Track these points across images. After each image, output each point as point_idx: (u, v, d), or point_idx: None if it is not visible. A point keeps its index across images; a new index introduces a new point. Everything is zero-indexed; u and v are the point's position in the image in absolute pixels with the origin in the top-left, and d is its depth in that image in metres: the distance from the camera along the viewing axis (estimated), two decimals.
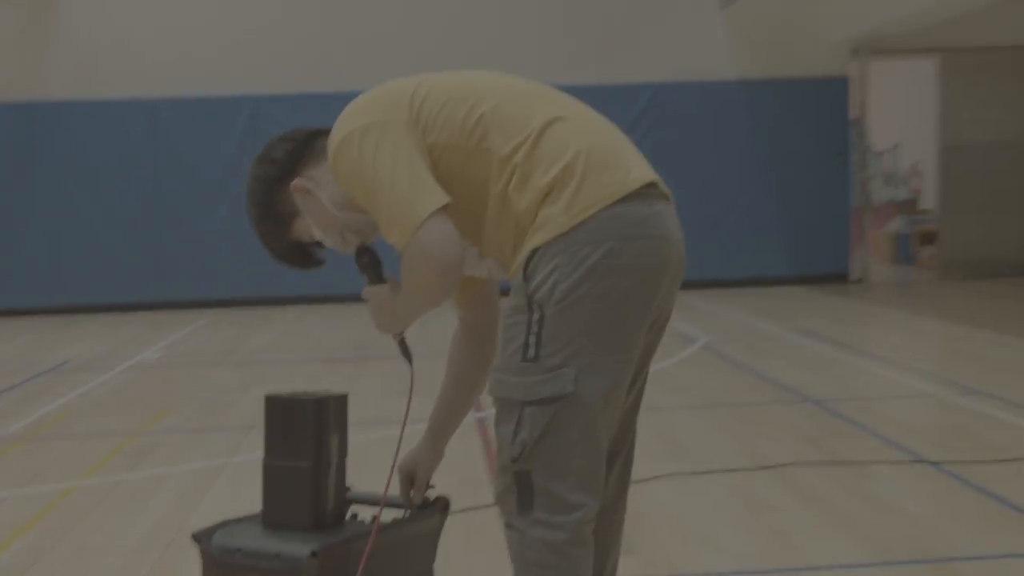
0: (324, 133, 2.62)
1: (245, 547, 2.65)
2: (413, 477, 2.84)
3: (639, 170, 2.44)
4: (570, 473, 2.36)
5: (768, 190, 13.46)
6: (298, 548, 2.58)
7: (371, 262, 2.61)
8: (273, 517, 2.73)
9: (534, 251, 2.36)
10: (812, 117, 13.70)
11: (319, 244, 2.69)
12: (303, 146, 2.62)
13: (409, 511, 2.84)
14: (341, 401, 2.77)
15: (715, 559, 3.85)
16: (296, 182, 2.58)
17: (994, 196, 14.17)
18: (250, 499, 4.67)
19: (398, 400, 6.72)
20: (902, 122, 17.20)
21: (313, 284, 13.13)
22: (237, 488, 5.04)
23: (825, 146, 13.72)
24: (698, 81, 13.51)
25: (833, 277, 13.54)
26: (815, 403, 6.41)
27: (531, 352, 2.35)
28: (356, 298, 11.11)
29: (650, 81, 13.51)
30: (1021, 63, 14.28)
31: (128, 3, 13.41)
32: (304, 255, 2.72)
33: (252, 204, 2.63)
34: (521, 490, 2.39)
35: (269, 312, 12.64)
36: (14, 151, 13.23)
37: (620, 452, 2.67)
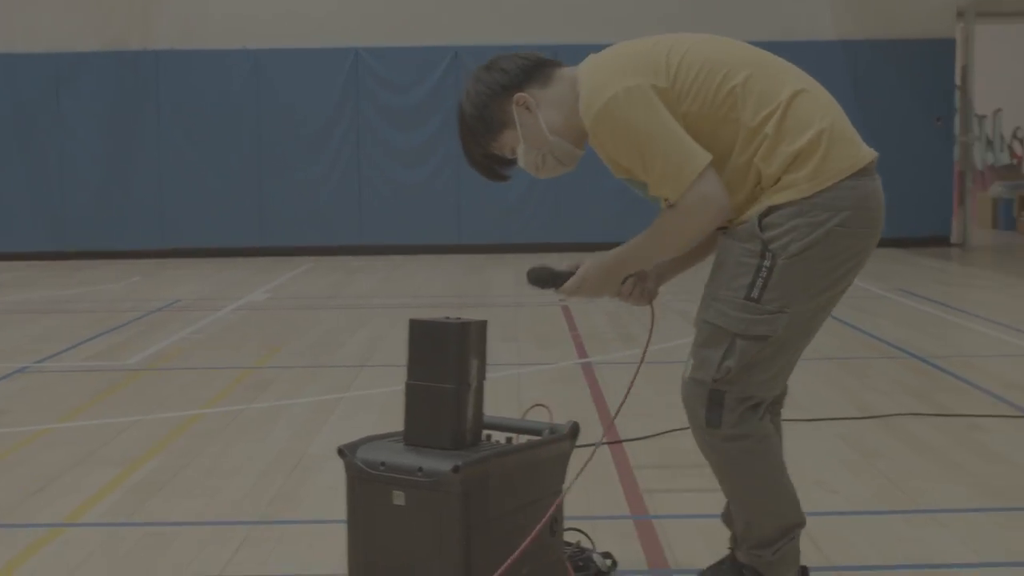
0: (554, 63, 2.81)
1: (389, 461, 2.78)
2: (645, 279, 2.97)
3: (866, 146, 2.73)
4: (754, 395, 2.74)
5: None
6: (440, 463, 2.70)
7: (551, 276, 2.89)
8: (415, 435, 2.85)
9: (773, 207, 2.65)
10: (915, 79, 13.51)
11: (511, 163, 2.89)
12: (534, 66, 2.81)
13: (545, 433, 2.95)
14: (481, 327, 2.90)
15: (830, 500, 3.91)
16: (520, 95, 2.77)
17: None
18: (366, 430, 4.86)
19: (501, 345, 6.86)
20: (1004, 87, 16.88)
21: (409, 234, 13.32)
22: (353, 419, 5.21)
23: (927, 109, 13.53)
24: (799, 41, 13.36)
25: (934, 240, 13.40)
26: (921, 359, 6.40)
27: (755, 292, 2.67)
28: (451, 248, 11.25)
29: (751, 40, 13.32)
30: None
31: None
32: (494, 168, 2.91)
33: (470, 104, 2.80)
34: (711, 406, 2.73)
35: (368, 260, 12.85)
36: (124, 99, 13.57)
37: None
